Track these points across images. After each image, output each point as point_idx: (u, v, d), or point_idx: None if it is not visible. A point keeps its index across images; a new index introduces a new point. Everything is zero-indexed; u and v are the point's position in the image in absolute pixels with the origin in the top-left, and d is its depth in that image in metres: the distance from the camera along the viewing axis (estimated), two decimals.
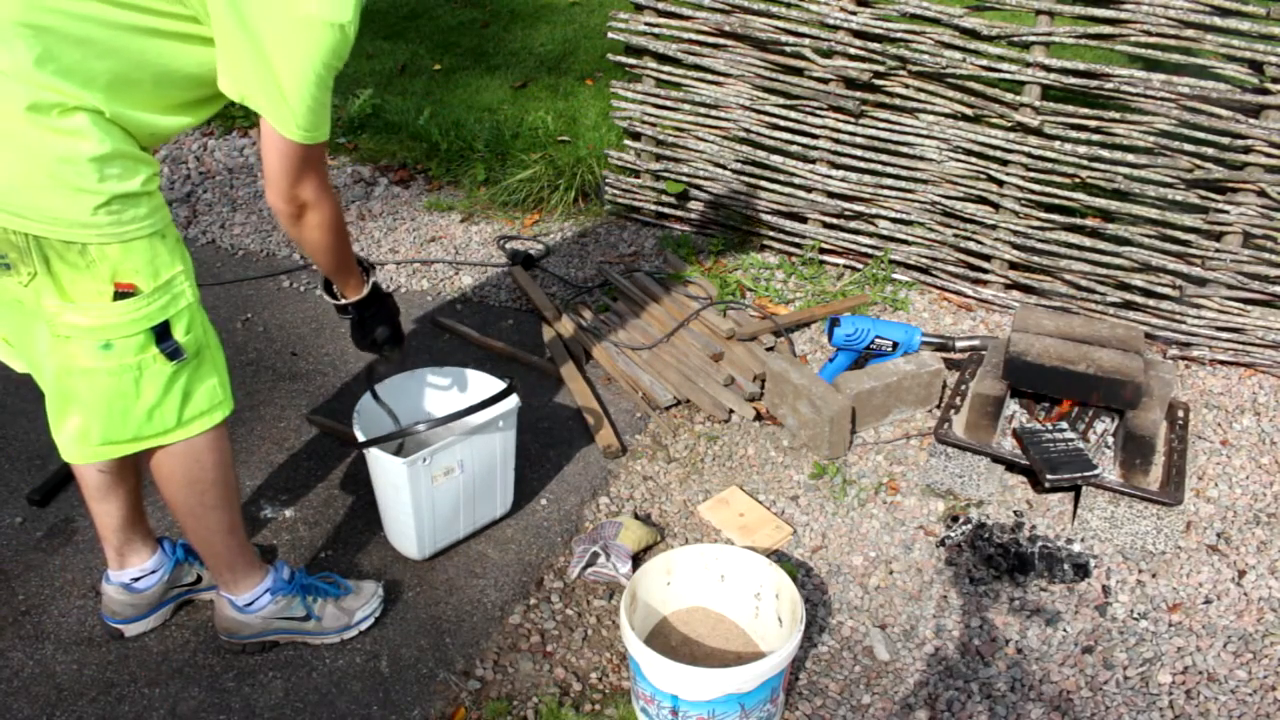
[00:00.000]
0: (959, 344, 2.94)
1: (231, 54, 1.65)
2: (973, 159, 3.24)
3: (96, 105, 1.60)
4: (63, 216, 1.61)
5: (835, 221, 3.56)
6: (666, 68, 3.62)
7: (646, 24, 3.58)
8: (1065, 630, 2.26)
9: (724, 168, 3.68)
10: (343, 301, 2.10)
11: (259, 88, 1.66)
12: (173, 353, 1.77)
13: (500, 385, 2.42)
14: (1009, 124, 3.14)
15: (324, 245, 1.90)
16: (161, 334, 1.74)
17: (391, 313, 2.20)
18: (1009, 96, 3.12)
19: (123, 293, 1.68)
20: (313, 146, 1.73)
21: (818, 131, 3.45)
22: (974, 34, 3.08)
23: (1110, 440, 2.56)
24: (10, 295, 1.73)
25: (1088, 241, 3.17)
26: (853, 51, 3.25)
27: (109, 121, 1.63)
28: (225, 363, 1.92)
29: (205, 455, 1.92)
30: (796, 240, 3.65)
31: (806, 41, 3.30)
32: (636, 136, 3.83)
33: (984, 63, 3.08)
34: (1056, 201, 3.18)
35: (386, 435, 2.25)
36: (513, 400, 2.35)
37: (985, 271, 3.38)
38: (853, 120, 3.37)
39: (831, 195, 3.53)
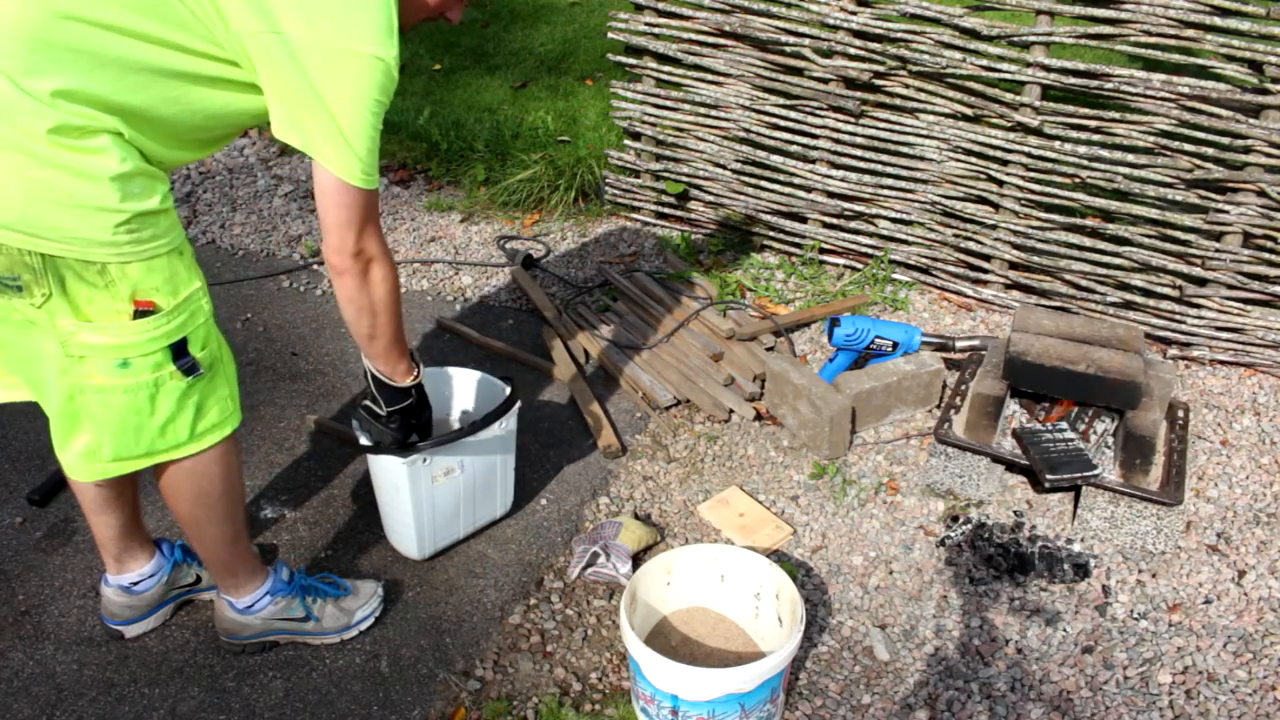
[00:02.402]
0: (959, 344, 2.94)
1: (287, 101, 1.63)
2: (973, 159, 3.24)
3: (117, 127, 1.59)
4: (82, 235, 1.58)
5: (835, 221, 3.56)
6: (666, 68, 3.62)
7: (646, 24, 3.58)
8: (1065, 630, 2.26)
9: (724, 168, 3.68)
10: (405, 384, 2.03)
11: (321, 133, 1.64)
12: (189, 368, 1.74)
13: (501, 384, 2.42)
14: (1009, 124, 3.14)
15: (389, 304, 1.85)
16: (179, 350, 1.72)
17: (425, 396, 2.14)
18: (1009, 96, 3.12)
19: (142, 311, 1.66)
20: (372, 193, 1.71)
21: (818, 131, 3.45)
22: (974, 34, 3.08)
23: (1110, 440, 2.56)
24: (19, 317, 1.69)
25: (1088, 241, 3.17)
26: (853, 51, 3.25)
27: (128, 141, 1.61)
28: (236, 373, 1.90)
29: (214, 468, 1.90)
30: (796, 240, 3.65)
31: (806, 41, 3.30)
32: (636, 136, 3.83)
33: (984, 63, 3.08)
34: (1056, 201, 3.18)
35: (389, 445, 2.24)
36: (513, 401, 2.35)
37: (985, 271, 3.38)
38: (853, 120, 3.38)
39: (831, 195, 3.53)
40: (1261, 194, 2.88)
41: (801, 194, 3.57)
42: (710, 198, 3.76)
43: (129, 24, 1.54)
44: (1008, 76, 3.07)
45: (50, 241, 1.57)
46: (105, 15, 1.53)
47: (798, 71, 3.40)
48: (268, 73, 1.62)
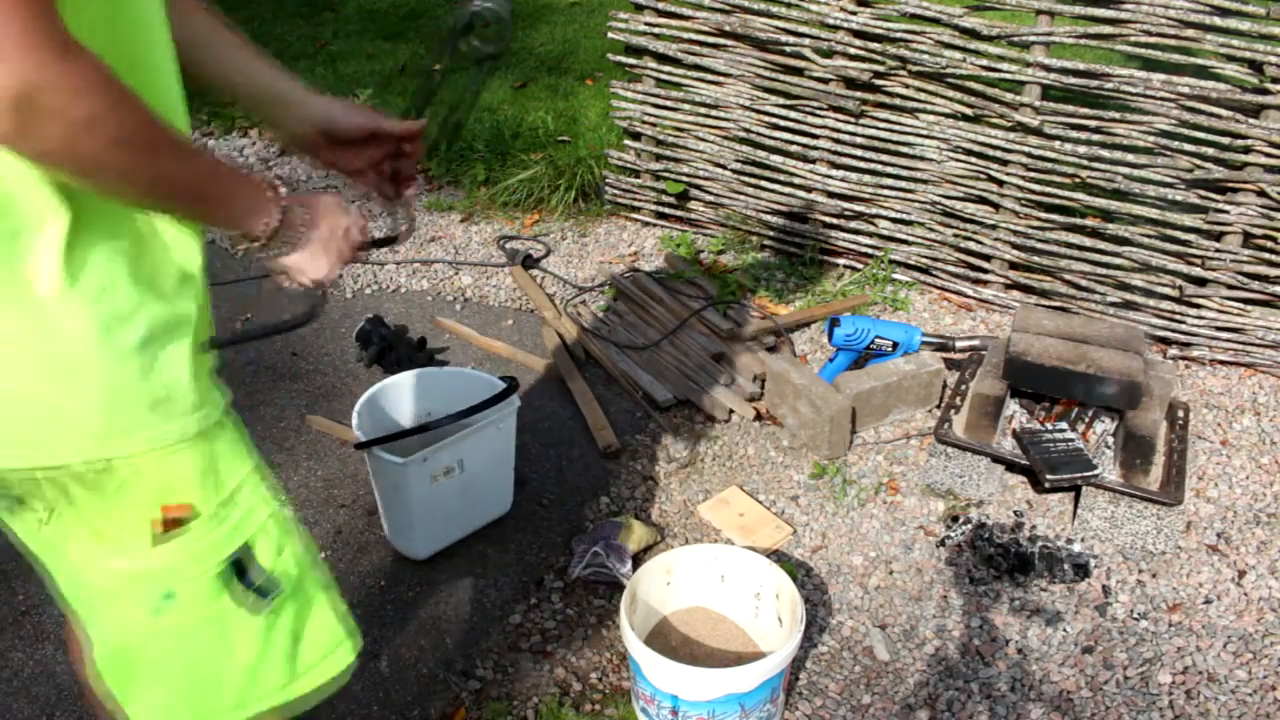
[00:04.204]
0: (959, 344, 2.94)
1: None
2: (973, 159, 3.24)
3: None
4: (52, 439, 1.05)
5: (835, 221, 3.56)
6: (666, 68, 3.62)
7: (646, 24, 3.58)
8: (1065, 630, 2.26)
9: (724, 168, 3.68)
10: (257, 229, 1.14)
11: None
12: (263, 588, 1.20)
13: (501, 384, 2.42)
14: (1009, 124, 3.14)
15: (103, 159, 0.93)
16: (242, 564, 1.19)
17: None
18: (1009, 96, 3.12)
19: (176, 519, 1.13)
20: None
21: (818, 131, 3.45)
22: (974, 34, 3.08)
23: (1110, 440, 2.56)
24: (38, 538, 1.18)
25: (1088, 241, 3.17)
26: (853, 51, 3.25)
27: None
28: (333, 580, 1.35)
29: None
30: (796, 240, 3.65)
31: (806, 41, 3.30)
32: (636, 136, 3.83)
33: (984, 63, 3.08)
34: (1056, 201, 3.18)
35: (386, 436, 2.24)
36: (513, 400, 2.35)
37: (985, 271, 3.38)
38: (853, 120, 3.37)
39: (831, 195, 3.53)
40: (1261, 194, 2.88)
41: (801, 194, 3.57)
42: (710, 198, 3.76)
43: None
44: (1008, 76, 3.07)
45: (18, 451, 1.05)
46: None
47: (798, 71, 3.40)
48: None
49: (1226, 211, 2.93)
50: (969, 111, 3.20)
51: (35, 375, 1.00)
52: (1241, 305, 3.04)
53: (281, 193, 1.14)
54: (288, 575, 1.23)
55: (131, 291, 1.04)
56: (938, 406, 2.94)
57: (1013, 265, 3.34)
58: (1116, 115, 3.02)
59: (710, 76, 3.56)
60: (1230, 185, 2.91)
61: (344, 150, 1.40)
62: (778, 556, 2.45)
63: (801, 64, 3.36)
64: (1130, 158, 3.01)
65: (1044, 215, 3.21)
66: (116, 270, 1.02)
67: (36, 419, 1.03)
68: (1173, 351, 3.16)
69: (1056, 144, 3.08)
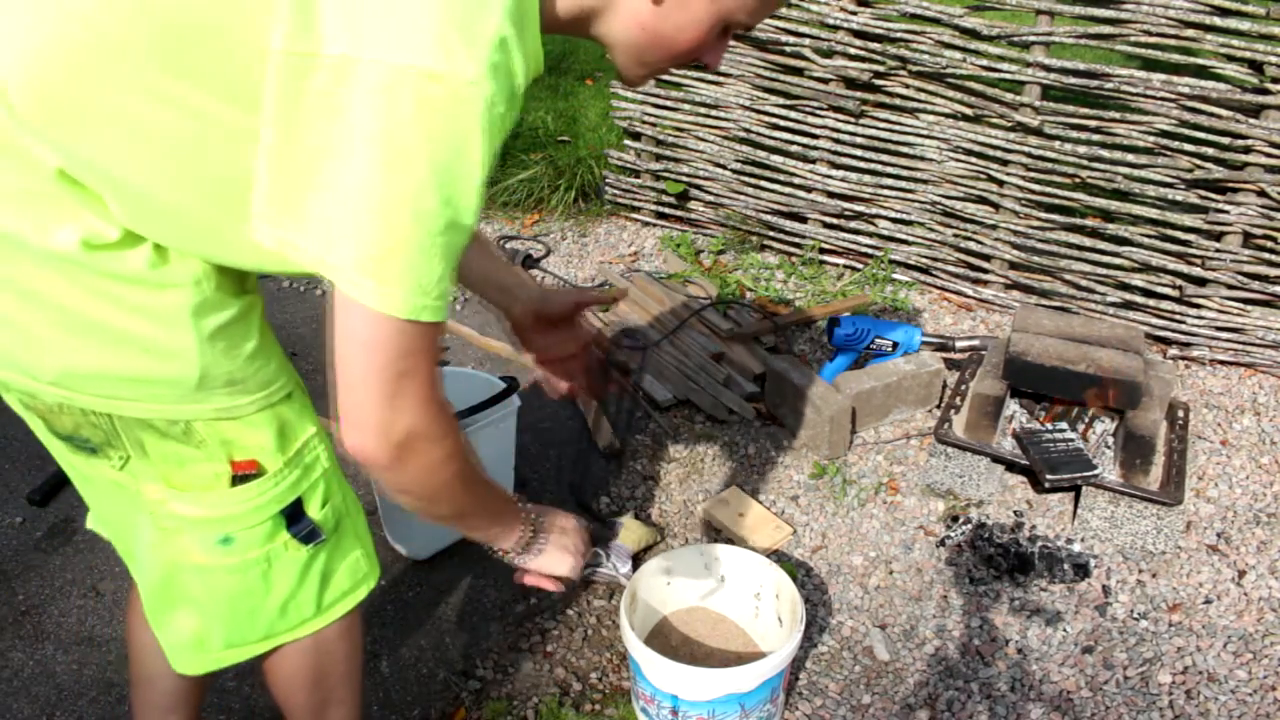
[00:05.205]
0: (959, 344, 2.94)
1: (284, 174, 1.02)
2: (973, 159, 3.24)
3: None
4: (145, 395, 1.19)
5: (835, 221, 3.56)
6: None
7: None
8: (1065, 630, 2.26)
9: (724, 168, 3.68)
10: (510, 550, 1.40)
11: (341, 224, 0.99)
12: (308, 535, 1.35)
13: (500, 384, 2.42)
14: (1009, 124, 3.14)
15: (442, 490, 1.18)
16: (293, 515, 1.33)
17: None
18: (1009, 96, 3.12)
19: (243, 475, 1.28)
20: (425, 330, 1.04)
21: (818, 131, 3.45)
22: (974, 34, 3.08)
23: (1110, 440, 2.56)
24: (105, 478, 1.32)
25: (1088, 241, 3.17)
26: (853, 51, 3.25)
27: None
28: (366, 522, 1.50)
29: (336, 646, 1.50)
30: (796, 240, 3.65)
31: (806, 41, 3.31)
32: (636, 136, 3.83)
33: (984, 63, 3.08)
34: (1056, 201, 3.19)
35: None
36: (513, 400, 2.35)
37: (985, 271, 3.38)
38: (853, 120, 3.38)
39: (831, 195, 3.53)
40: (1261, 194, 2.88)
41: (801, 194, 3.57)
42: (710, 198, 3.76)
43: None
44: (1008, 76, 3.07)
45: (102, 399, 1.18)
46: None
47: (798, 71, 3.41)
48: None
49: (1226, 211, 2.93)
50: (969, 111, 3.20)
51: (135, 343, 1.14)
52: (1241, 305, 3.04)
53: (528, 509, 1.39)
54: (328, 525, 1.39)
55: (216, 286, 1.18)
56: (938, 406, 2.94)
57: (1013, 265, 3.34)
58: (1116, 115, 3.02)
59: (710, 76, 3.56)
60: (1230, 185, 2.91)
61: (552, 333, 1.66)
62: (778, 556, 2.45)
63: (801, 64, 3.36)
64: (1130, 158, 3.01)
65: (1044, 215, 3.21)
66: (207, 268, 1.16)
67: (129, 379, 1.16)
68: (1173, 351, 3.16)
69: (1056, 144, 3.08)
